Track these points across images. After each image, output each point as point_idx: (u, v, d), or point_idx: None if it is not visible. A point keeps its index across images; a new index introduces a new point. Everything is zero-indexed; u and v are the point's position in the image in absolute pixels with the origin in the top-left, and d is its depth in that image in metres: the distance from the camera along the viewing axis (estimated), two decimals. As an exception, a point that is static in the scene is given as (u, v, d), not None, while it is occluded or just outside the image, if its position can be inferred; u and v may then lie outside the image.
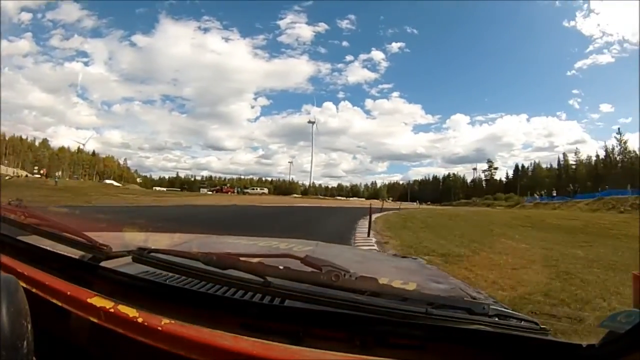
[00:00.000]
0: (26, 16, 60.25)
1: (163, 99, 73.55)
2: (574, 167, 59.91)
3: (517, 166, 66.63)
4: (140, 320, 0.62)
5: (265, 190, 63.96)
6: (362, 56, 69.49)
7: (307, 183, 68.46)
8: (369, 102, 74.63)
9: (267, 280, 0.68)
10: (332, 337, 0.60)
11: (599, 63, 58.02)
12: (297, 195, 57.59)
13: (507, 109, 73.37)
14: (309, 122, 66.01)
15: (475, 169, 71.58)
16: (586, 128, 74.37)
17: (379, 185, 75.14)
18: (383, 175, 71.89)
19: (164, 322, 0.61)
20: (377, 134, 78.87)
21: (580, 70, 66.11)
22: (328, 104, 70.93)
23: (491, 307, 0.65)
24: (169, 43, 68.76)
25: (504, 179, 67.45)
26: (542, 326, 0.64)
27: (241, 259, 0.73)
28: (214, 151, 77.69)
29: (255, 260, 0.74)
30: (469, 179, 72.60)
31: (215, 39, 66.58)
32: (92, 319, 0.65)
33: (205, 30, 66.91)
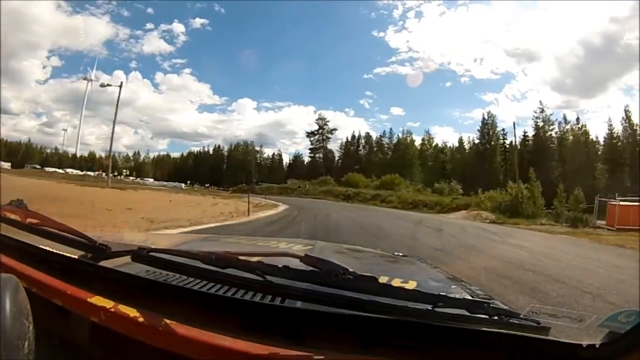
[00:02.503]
0: None
1: None
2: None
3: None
4: (140, 320, 0.62)
5: None
6: (163, 26, 61.87)
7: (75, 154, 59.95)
8: (159, 76, 68.34)
9: (266, 280, 0.68)
10: (332, 337, 0.60)
11: (397, 72, 61.80)
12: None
13: (296, 99, 73.44)
14: (85, 78, 55.69)
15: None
16: (373, 126, 78.30)
17: (142, 158, 65.81)
18: (163, 153, 67.16)
19: (164, 322, 0.61)
20: (162, 109, 73.50)
21: (377, 75, 69.13)
22: (119, 73, 61.34)
23: (491, 306, 0.65)
24: None
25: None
26: (542, 325, 0.64)
27: (241, 258, 0.73)
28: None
29: (254, 259, 0.74)
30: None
31: None
32: (92, 318, 0.65)
33: None
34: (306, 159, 61.69)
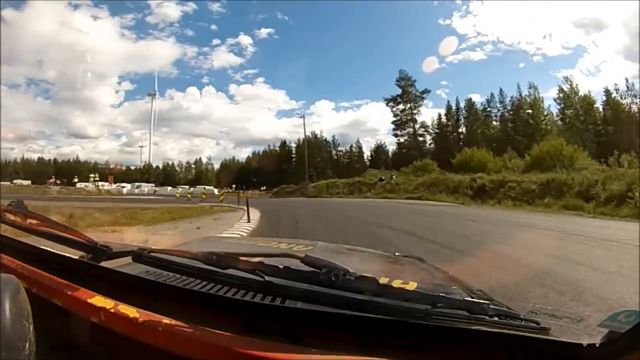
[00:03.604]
0: None
1: (28, 83, 64.97)
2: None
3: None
4: (140, 320, 0.62)
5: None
6: (230, 40, 65.28)
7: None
8: (233, 87, 69.63)
9: (267, 280, 0.68)
10: (332, 337, 0.60)
11: (470, 59, 56.24)
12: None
13: (372, 96, 72.04)
14: (149, 94, 58.64)
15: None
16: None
17: (204, 164, 63.22)
18: (228, 158, 65.63)
19: (165, 322, 0.61)
20: (240, 119, 73.29)
21: (450, 64, 63.49)
22: (192, 89, 64.90)
23: (491, 306, 0.65)
24: (34, 19, 61.28)
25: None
26: (542, 326, 0.64)
27: (241, 258, 0.74)
28: (76, 139, 70.60)
29: (255, 259, 0.74)
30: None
31: (84, 16, 59.29)
32: (92, 319, 0.65)
33: (76, 7, 59.39)
34: (391, 148, 52.46)
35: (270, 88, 67.01)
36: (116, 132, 73.36)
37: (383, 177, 33.09)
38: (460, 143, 40.15)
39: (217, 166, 63.15)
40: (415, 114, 47.45)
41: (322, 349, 0.58)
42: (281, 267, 0.69)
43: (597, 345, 0.53)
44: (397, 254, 1.73)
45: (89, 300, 0.67)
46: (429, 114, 63.81)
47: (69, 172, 53.59)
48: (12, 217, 0.91)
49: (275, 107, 69.71)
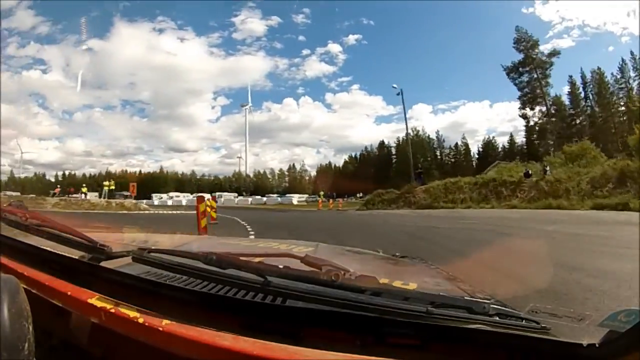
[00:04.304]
0: None
1: (123, 104, 69.64)
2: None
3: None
4: (140, 320, 0.62)
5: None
6: (319, 50, 64.30)
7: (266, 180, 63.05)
8: (329, 96, 68.60)
9: (267, 280, 0.68)
10: (332, 337, 0.60)
11: (559, 47, 51.57)
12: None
13: (468, 96, 66.63)
14: (242, 105, 60.27)
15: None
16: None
17: (298, 171, 61.93)
18: (324, 163, 65.71)
19: (165, 322, 0.61)
20: (339, 126, 72.82)
21: (542, 53, 58.97)
22: (288, 100, 66.04)
23: (492, 306, 0.65)
24: (123, 46, 65.81)
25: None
26: (542, 325, 0.64)
27: (241, 258, 0.74)
28: (176, 153, 76.46)
29: (255, 260, 0.74)
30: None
31: (171, 39, 63.20)
32: (92, 319, 0.65)
33: (160, 31, 62.81)
34: (500, 141, 47.18)
35: (366, 94, 66.77)
36: (215, 145, 76.08)
37: (530, 171, 20.98)
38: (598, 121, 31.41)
39: (313, 173, 62.36)
40: (545, 85, 35.73)
41: (322, 349, 0.58)
42: (281, 267, 0.69)
43: (597, 345, 0.53)
44: (397, 254, 1.73)
45: (89, 301, 0.67)
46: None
47: (152, 184, 53.46)
48: (12, 217, 0.91)
49: (373, 113, 69.14)
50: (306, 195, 45.99)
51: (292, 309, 0.65)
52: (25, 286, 0.65)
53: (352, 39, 61.52)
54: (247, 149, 61.41)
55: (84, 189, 28.66)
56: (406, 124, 39.15)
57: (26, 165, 60.95)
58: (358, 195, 41.09)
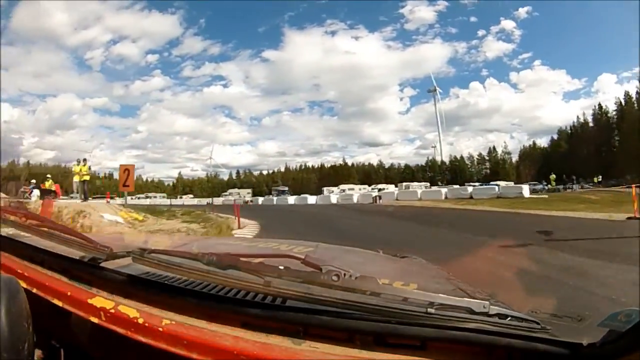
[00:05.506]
0: (152, 57, 65.76)
1: (310, 105, 76.16)
2: None
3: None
4: (140, 320, 0.62)
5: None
6: (493, 28, 60.95)
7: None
8: (513, 75, 63.12)
9: (267, 281, 0.68)
10: (333, 337, 0.60)
11: None
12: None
13: None
14: (429, 91, 57.41)
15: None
16: None
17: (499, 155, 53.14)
18: (527, 144, 58.38)
19: (165, 323, 0.61)
20: (528, 108, 66.03)
21: None
22: (474, 84, 62.82)
23: (491, 306, 0.65)
24: (300, 52, 71.65)
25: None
26: (542, 325, 0.64)
27: (241, 259, 0.73)
28: (371, 148, 75.02)
29: (255, 260, 0.74)
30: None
31: (345, 39, 65.59)
32: (92, 319, 0.65)
33: (333, 33, 65.71)
34: None
35: (549, 69, 60.00)
36: (409, 137, 76.36)
37: None
38: None
39: (515, 158, 54.50)
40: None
41: (322, 349, 0.58)
42: (281, 267, 0.69)
43: (597, 345, 0.53)
44: (397, 254, 1.73)
45: (89, 301, 0.67)
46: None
47: (335, 176, 52.26)
48: (12, 217, 0.91)
49: (559, 90, 61.19)
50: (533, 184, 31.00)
51: (292, 310, 0.65)
52: (25, 286, 0.65)
53: (522, 12, 57.51)
54: (440, 132, 56.46)
55: (48, 183, 16.78)
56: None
57: (220, 169, 67.57)
58: (596, 179, 30.79)
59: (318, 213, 17.38)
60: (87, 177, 14.42)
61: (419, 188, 31.73)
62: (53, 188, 16.75)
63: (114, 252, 0.82)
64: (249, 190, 54.46)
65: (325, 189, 42.39)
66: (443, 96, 59.47)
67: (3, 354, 0.47)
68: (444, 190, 25.68)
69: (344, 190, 38.76)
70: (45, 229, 0.88)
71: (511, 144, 65.69)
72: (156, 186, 63.71)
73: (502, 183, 29.67)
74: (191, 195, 54.25)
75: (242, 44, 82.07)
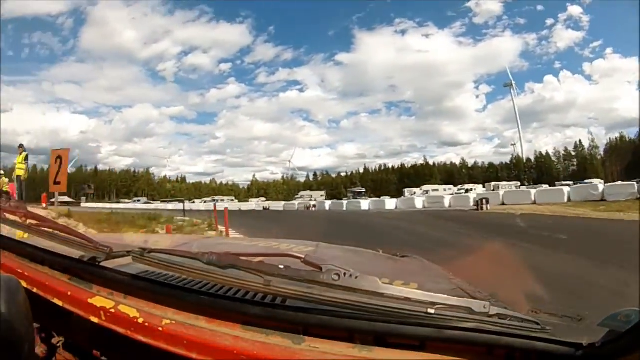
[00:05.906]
0: (225, 66, 68.98)
1: (387, 106, 74.38)
2: None
3: None
4: (140, 320, 0.62)
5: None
6: (561, 16, 58.48)
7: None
8: (586, 66, 59.32)
9: (267, 280, 0.68)
10: (333, 337, 0.60)
11: None
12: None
13: None
14: (505, 85, 55.95)
15: None
16: None
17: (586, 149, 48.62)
18: (614, 136, 52.71)
19: (165, 322, 0.61)
20: (604, 99, 61.22)
21: None
22: (548, 77, 60.12)
23: (492, 306, 0.65)
24: (373, 53, 71.67)
25: None
26: (542, 325, 0.64)
27: (242, 258, 0.73)
28: (450, 147, 73.43)
29: (255, 259, 0.74)
30: None
31: (416, 37, 65.51)
32: (93, 319, 0.65)
33: (403, 32, 65.70)
34: None
35: (621, 57, 55.92)
36: (487, 135, 73.49)
37: None
38: None
39: (601, 152, 49.78)
40: None
41: (322, 348, 0.58)
42: (282, 266, 0.69)
43: (597, 345, 0.53)
44: (398, 254, 1.73)
45: (89, 300, 0.67)
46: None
47: (415, 178, 49.94)
48: (12, 217, 0.91)
49: (634, 79, 56.13)
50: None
51: (293, 310, 0.65)
52: (25, 286, 0.65)
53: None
54: (520, 129, 53.68)
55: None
56: None
57: (300, 171, 69.39)
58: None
59: (403, 231, 10.98)
60: (20, 172, 10.46)
61: (507, 187, 29.36)
62: (6, 189, 11.96)
63: (114, 252, 0.82)
64: (322, 193, 53.42)
65: (406, 190, 39.77)
66: (518, 92, 57.67)
67: (4, 353, 0.47)
68: (533, 190, 21.73)
69: (428, 192, 34.17)
70: (46, 228, 0.88)
71: (588, 140, 59.05)
72: (230, 189, 64.96)
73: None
74: (263, 198, 53.35)
75: (313, 49, 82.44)
